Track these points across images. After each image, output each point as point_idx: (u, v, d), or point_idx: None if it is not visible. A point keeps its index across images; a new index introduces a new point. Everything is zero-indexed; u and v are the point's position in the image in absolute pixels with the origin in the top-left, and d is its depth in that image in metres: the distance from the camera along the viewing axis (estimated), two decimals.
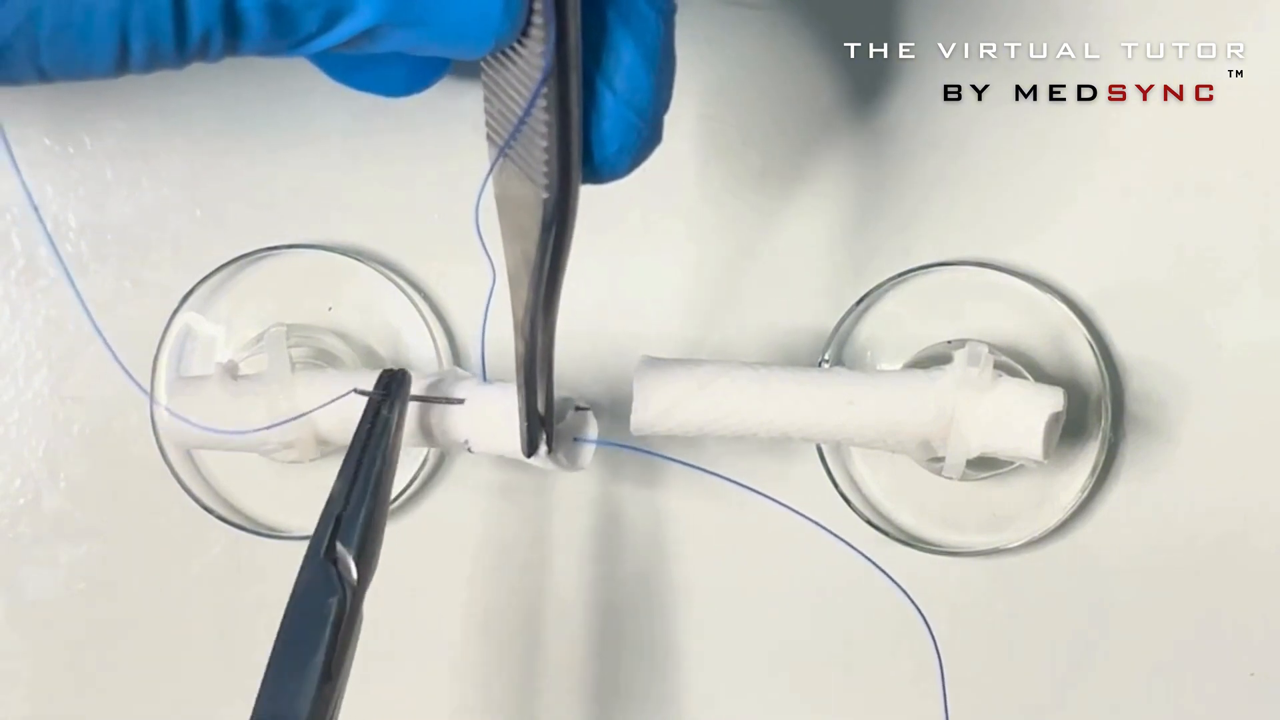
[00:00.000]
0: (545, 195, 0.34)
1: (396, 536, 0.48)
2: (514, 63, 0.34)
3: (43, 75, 0.31)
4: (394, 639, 0.48)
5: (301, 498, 0.47)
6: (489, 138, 0.36)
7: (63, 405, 0.48)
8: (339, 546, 0.38)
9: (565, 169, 0.34)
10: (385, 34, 0.32)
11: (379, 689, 0.48)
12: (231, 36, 0.31)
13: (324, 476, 0.47)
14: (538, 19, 0.32)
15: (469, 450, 0.42)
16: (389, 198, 0.47)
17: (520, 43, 0.33)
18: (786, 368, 0.43)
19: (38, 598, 0.48)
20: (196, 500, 0.47)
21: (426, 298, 0.47)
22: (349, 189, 0.47)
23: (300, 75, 0.47)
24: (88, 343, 0.48)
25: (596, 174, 0.36)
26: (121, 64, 0.31)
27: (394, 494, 0.47)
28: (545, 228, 0.35)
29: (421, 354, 0.47)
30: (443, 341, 0.47)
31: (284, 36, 0.32)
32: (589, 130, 0.35)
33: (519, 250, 0.36)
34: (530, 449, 0.41)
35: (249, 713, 0.47)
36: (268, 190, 0.47)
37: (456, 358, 0.47)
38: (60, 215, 0.48)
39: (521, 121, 0.34)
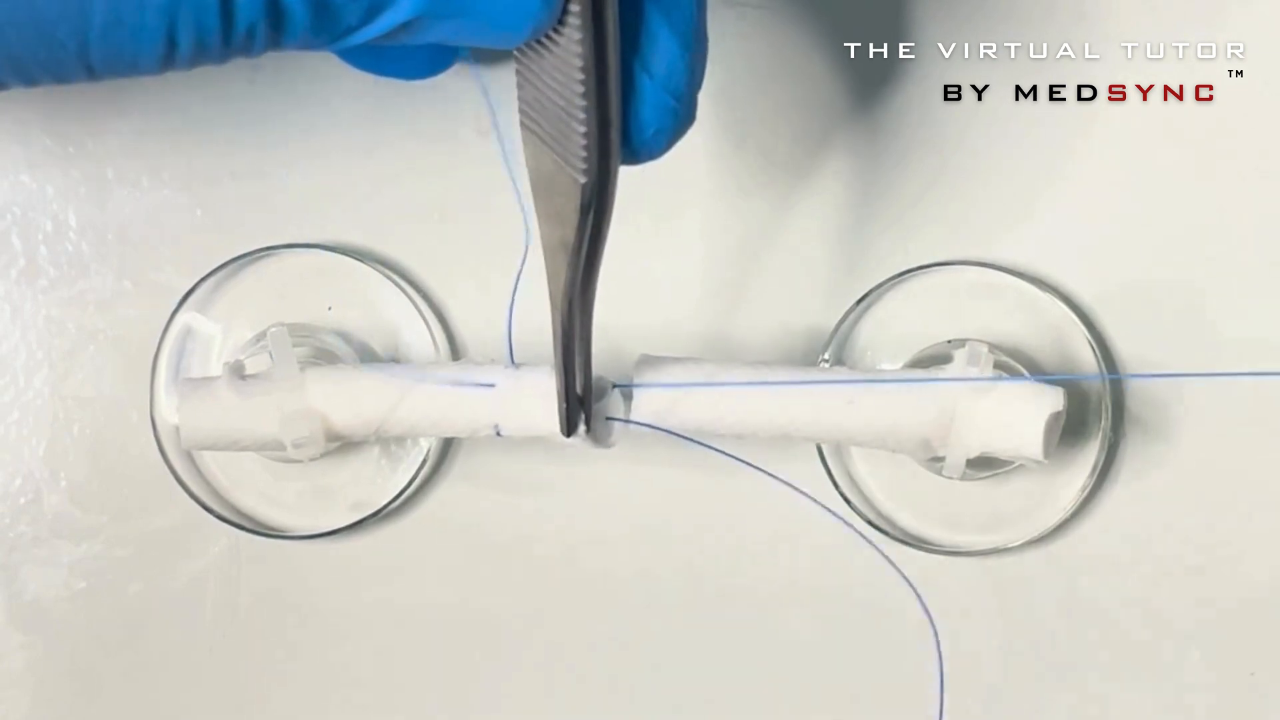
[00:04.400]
0: (583, 180, 0.34)
1: (397, 535, 0.48)
2: (550, 50, 0.33)
3: (91, 73, 0.31)
4: (395, 638, 0.48)
5: (302, 498, 0.47)
6: (523, 124, 0.36)
7: (63, 405, 0.48)
8: None
9: (604, 154, 0.34)
10: (424, 26, 0.32)
11: (380, 689, 0.48)
12: (275, 31, 0.31)
13: (324, 476, 0.48)
14: (575, 5, 0.32)
15: (498, 434, 0.42)
16: (389, 198, 0.47)
17: (557, 30, 0.33)
18: (786, 367, 0.43)
19: (38, 598, 0.48)
20: (196, 500, 0.47)
21: (426, 297, 0.47)
22: (349, 189, 0.47)
23: (301, 76, 0.47)
24: (88, 342, 0.48)
25: (634, 156, 0.36)
26: (168, 60, 0.31)
27: (393, 493, 0.47)
28: (583, 212, 0.35)
29: (421, 353, 0.47)
30: (442, 340, 0.47)
31: (326, 30, 0.32)
32: (626, 114, 0.35)
33: (556, 233, 0.36)
34: (569, 430, 0.41)
35: (249, 713, 0.47)
36: (268, 190, 0.47)
37: (456, 356, 0.47)
38: (60, 215, 0.48)
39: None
